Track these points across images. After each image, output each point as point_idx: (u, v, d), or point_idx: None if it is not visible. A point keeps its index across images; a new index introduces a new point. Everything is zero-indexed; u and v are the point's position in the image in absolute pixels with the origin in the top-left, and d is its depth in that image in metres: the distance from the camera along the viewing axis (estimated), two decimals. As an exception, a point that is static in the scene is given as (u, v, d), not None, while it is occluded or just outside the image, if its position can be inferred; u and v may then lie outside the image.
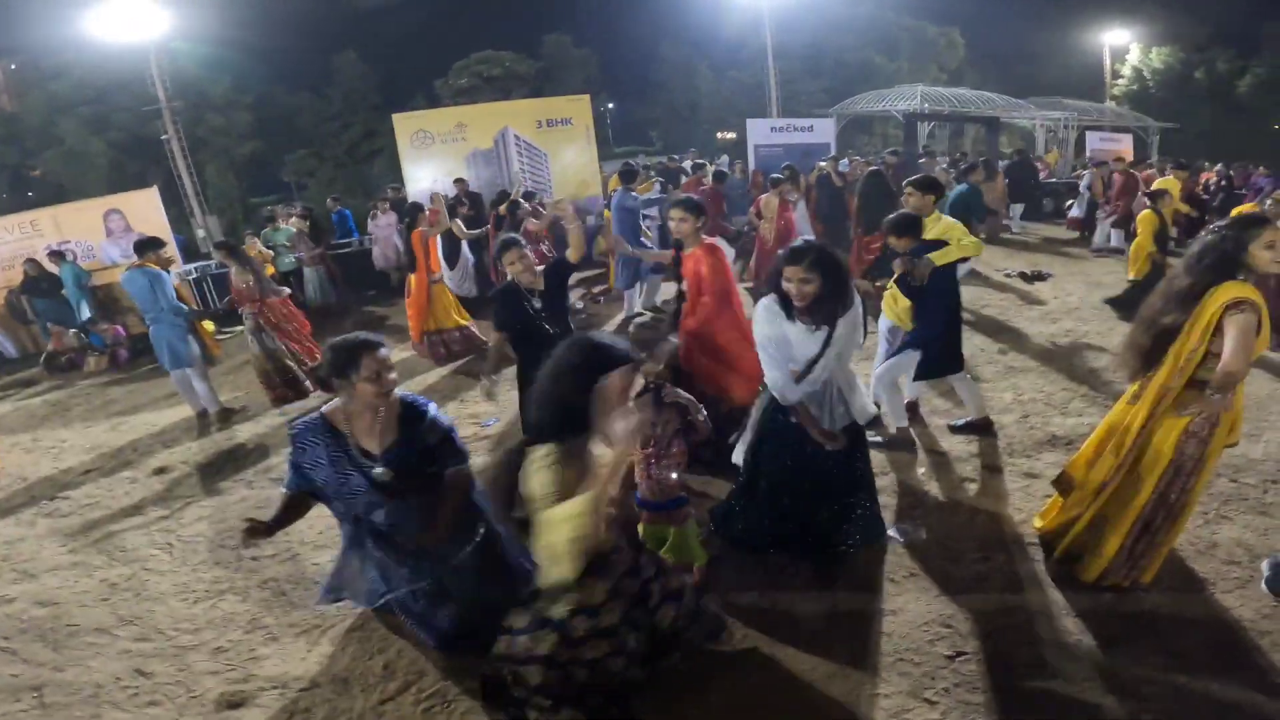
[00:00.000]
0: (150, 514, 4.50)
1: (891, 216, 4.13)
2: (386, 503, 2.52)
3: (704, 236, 4.10)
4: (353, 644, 3.03)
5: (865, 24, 28.57)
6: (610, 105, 36.84)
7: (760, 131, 14.44)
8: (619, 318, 8.12)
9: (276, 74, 26.31)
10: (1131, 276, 7.00)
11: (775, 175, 8.83)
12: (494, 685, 2.43)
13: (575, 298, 9.18)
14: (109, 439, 6.00)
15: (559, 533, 1.83)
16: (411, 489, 2.52)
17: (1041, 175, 14.85)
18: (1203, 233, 2.73)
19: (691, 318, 4.09)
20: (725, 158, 17.95)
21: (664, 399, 2.88)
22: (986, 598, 2.98)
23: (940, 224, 4.48)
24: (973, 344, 6.24)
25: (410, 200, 8.86)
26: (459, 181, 10.55)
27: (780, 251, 2.97)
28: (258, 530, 2.44)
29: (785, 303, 2.87)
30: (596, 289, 9.44)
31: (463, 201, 9.76)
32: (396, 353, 5.46)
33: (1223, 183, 11.93)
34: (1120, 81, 29.74)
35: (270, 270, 9.59)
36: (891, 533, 3.45)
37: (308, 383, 6.19)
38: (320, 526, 3.80)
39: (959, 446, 4.35)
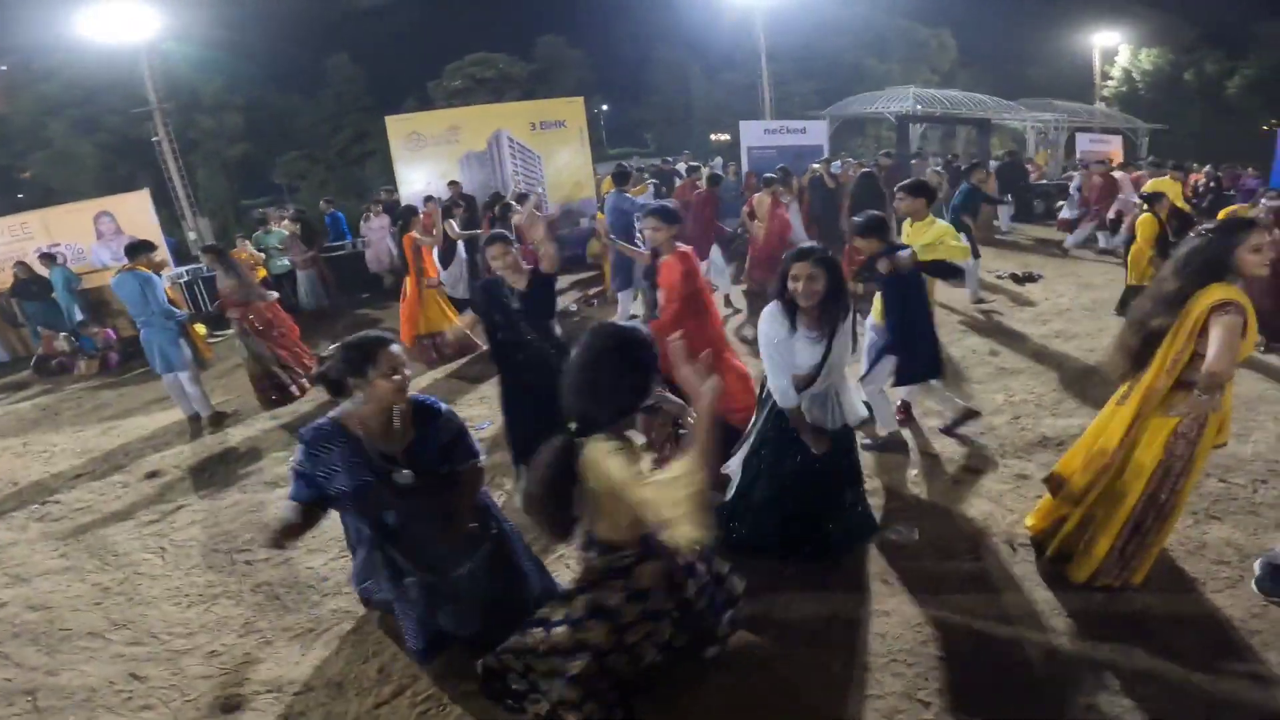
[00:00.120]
0: (142, 518, 4.48)
1: (857, 219, 4.08)
2: (402, 503, 2.47)
3: (678, 244, 4.11)
4: (347, 648, 3.04)
5: (857, 26, 28.63)
6: (604, 107, 36.79)
7: (754, 133, 14.47)
8: (612, 320, 8.12)
9: (268, 75, 26.16)
10: (1131, 282, 6.77)
11: (768, 175, 8.86)
12: (494, 676, 2.44)
13: (570, 300, 9.20)
14: (100, 443, 5.97)
15: (674, 495, 1.83)
16: (430, 489, 2.49)
17: (1032, 177, 14.94)
18: (1190, 235, 2.76)
19: (664, 324, 4.08)
20: (719, 160, 17.97)
21: (656, 404, 2.89)
22: (979, 598, 3.01)
23: (933, 228, 4.51)
24: (964, 345, 6.29)
25: (403, 203, 8.85)
26: (453, 184, 10.55)
27: (785, 254, 3.02)
28: (289, 533, 2.42)
29: (790, 311, 2.93)
30: (591, 291, 9.44)
31: (459, 203, 9.75)
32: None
33: (1211, 184, 12.01)
34: (1110, 83, 29.90)
35: (262, 273, 9.58)
36: (888, 534, 3.48)
37: (293, 388, 6.19)
38: (314, 530, 3.78)
39: (951, 448, 4.37)
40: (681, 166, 15.91)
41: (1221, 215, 5.25)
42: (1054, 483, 3.17)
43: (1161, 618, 2.79)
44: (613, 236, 6.75)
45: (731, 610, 2.63)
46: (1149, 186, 8.18)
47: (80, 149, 21.13)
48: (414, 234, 6.91)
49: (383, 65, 28.04)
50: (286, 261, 10.17)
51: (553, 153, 11.79)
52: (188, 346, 5.91)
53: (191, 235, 14.74)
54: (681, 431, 2.90)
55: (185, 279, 10.50)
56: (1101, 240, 10.26)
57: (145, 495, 4.83)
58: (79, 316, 8.93)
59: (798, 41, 25.83)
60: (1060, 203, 12.46)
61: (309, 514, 2.45)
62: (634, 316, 8.01)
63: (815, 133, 14.74)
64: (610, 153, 31.43)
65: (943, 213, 7.57)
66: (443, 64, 28.60)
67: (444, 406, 2.61)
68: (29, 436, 6.41)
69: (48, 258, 9.13)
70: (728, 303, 8.26)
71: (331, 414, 2.49)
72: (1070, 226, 11.40)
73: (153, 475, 5.14)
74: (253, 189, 27.62)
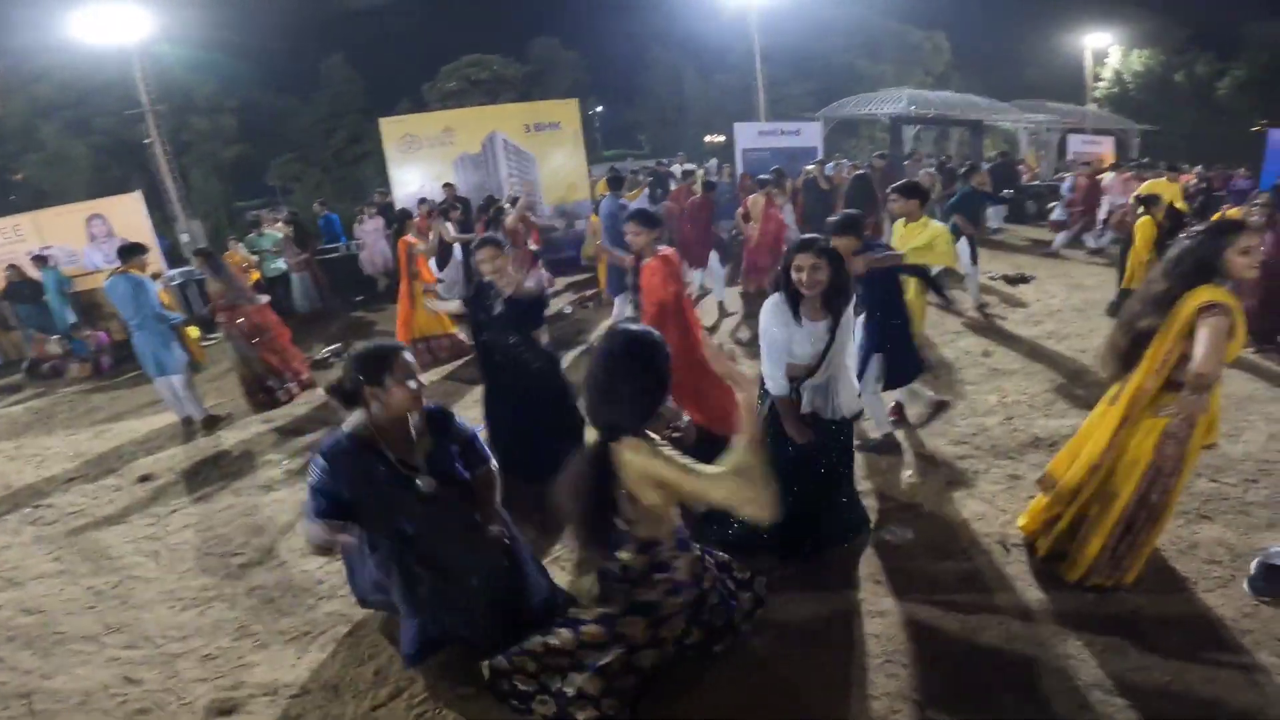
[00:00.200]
0: (136, 521, 4.47)
1: (832, 219, 4.05)
2: (422, 511, 2.45)
3: (659, 248, 4.13)
4: (343, 651, 3.03)
5: (852, 28, 28.72)
6: (599, 109, 36.86)
7: (748, 135, 14.48)
8: (607, 323, 8.13)
9: (262, 77, 26.12)
10: (1129, 286, 6.54)
11: (763, 177, 8.88)
12: (501, 677, 2.45)
13: (565, 302, 9.21)
14: (93, 446, 5.95)
15: (733, 484, 1.87)
16: (449, 496, 2.50)
17: (1025, 178, 15.00)
18: (1180, 237, 2.78)
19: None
20: (714, 161, 17.97)
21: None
22: (972, 598, 3.02)
23: (927, 230, 4.54)
24: (957, 346, 6.32)
25: (398, 206, 8.83)
26: (447, 186, 10.54)
27: (787, 247, 3.06)
28: (326, 551, 2.44)
29: (793, 302, 2.96)
30: (587, 293, 9.45)
31: (455, 205, 9.75)
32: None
33: (1202, 185, 12.07)
34: (1101, 84, 30.07)
35: (255, 276, 9.55)
36: (884, 535, 3.50)
37: (280, 394, 6.18)
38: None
39: (945, 449, 4.39)
40: (677, 169, 15.91)
41: (1212, 219, 5.26)
42: (1047, 483, 3.20)
43: (1153, 617, 2.81)
44: (605, 243, 6.77)
45: (752, 609, 2.70)
46: (1145, 188, 8.14)
47: (73, 151, 21.03)
48: (409, 238, 6.91)
49: (377, 67, 28.03)
50: (281, 264, 10.14)
51: (547, 155, 11.79)
52: (180, 350, 5.89)
53: (184, 238, 14.68)
54: (675, 435, 2.92)
55: (178, 282, 10.46)
56: (1090, 241, 10.32)
57: (138, 499, 4.82)
58: (71, 319, 8.88)
59: (792, 43, 25.86)
60: (1052, 204, 12.52)
61: (337, 527, 2.42)
62: (629, 319, 8.02)
63: (810, 134, 14.76)
64: (605, 154, 31.51)
65: (935, 214, 7.60)
66: (437, 66, 28.61)
67: (452, 413, 2.62)
68: (21, 440, 6.38)
69: (40, 260, 9.09)
70: (722, 310, 8.25)
71: (345, 428, 2.43)
72: (1062, 228, 11.47)
73: (146, 479, 5.12)
74: (247, 191, 27.54)
